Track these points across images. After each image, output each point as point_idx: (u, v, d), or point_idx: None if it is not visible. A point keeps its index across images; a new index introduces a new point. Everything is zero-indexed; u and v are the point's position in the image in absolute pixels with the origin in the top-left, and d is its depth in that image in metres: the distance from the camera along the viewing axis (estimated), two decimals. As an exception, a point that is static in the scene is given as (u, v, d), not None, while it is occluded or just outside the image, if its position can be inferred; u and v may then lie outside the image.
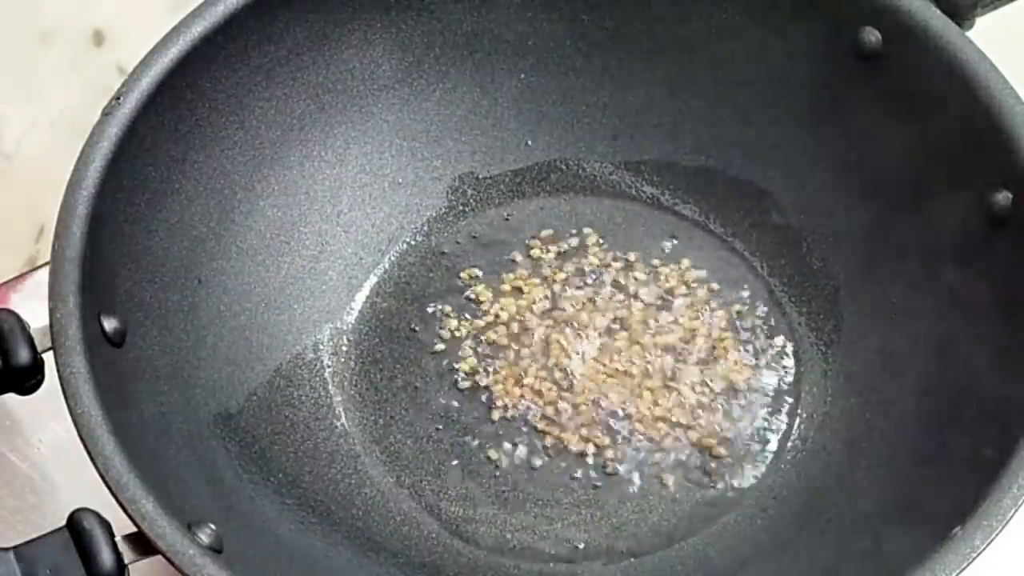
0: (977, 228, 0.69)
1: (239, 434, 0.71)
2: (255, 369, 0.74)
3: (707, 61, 0.78)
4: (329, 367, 0.76)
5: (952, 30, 0.71)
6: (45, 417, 0.76)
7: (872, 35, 0.73)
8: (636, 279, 0.78)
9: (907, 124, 0.73)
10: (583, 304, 0.77)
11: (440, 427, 0.74)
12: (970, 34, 0.71)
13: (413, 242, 0.79)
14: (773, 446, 0.73)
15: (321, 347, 0.76)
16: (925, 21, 0.71)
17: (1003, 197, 0.68)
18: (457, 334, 0.76)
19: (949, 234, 0.72)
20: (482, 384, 0.75)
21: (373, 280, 0.78)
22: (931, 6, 0.71)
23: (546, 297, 0.77)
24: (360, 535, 0.71)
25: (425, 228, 0.80)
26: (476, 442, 0.74)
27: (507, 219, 0.80)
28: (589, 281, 0.78)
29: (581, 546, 0.71)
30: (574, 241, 0.79)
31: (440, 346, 0.76)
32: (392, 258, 0.79)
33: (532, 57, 0.79)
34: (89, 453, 0.60)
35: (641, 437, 0.73)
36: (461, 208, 0.80)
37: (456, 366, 0.76)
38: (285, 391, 0.74)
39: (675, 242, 0.79)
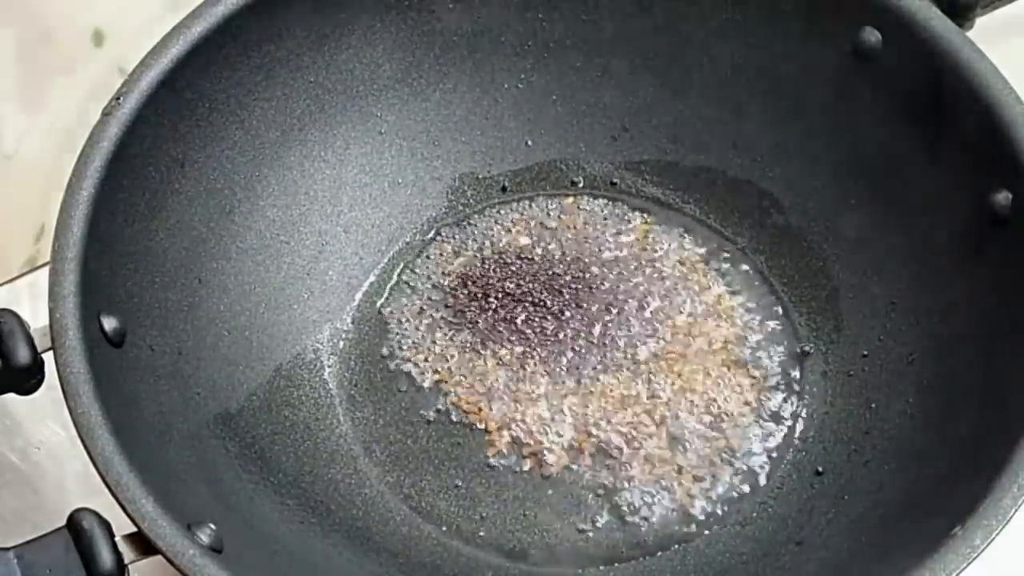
0: (977, 228, 0.70)
1: (239, 434, 0.71)
2: (255, 369, 0.74)
3: (707, 61, 0.78)
4: (329, 367, 0.76)
5: (952, 30, 0.71)
6: (45, 417, 0.76)
7: (872, 35, 0.73)
8: (635, 279, 0.78)
9: (907, 124, 0.73)
10: (583, 305, 0.77)
11: (440, 428, 0.74)
12: (970, 34, 0.71)
13: (413, 242, 0.79)
14: (773, 446, 0.73)
15: (321, 347, 0.76)
16: (925, 21, 0.71)
17: (1003, 197, 0.68)
18: (458, 334, 0.76)
19: (949, 234, 0.72)
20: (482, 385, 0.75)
21: (373, 280, 0.78)
22: (931, 6, 0.71)
23: (545, 298, 0.77)
24: (360, 535, 0.71)
25: (425, 228, 0.80)
26: (476, 443, 0.74)
27: (506, 219, 0.80)
28: (589, 281, 0.77)
29: (581, 547, 0.71)
30: (574, 241, 0.79)
31: (441, 347, 0.76)
32: (392, 258, 0.79)
33: (532, 57, 0.79)
34: (89, 453, 0.61)
35: (641, 439, 0.73)
36: (461, 208, 0.80)
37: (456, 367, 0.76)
38: (285, 391, 0.74)
39: (675, 242, 0.79)
